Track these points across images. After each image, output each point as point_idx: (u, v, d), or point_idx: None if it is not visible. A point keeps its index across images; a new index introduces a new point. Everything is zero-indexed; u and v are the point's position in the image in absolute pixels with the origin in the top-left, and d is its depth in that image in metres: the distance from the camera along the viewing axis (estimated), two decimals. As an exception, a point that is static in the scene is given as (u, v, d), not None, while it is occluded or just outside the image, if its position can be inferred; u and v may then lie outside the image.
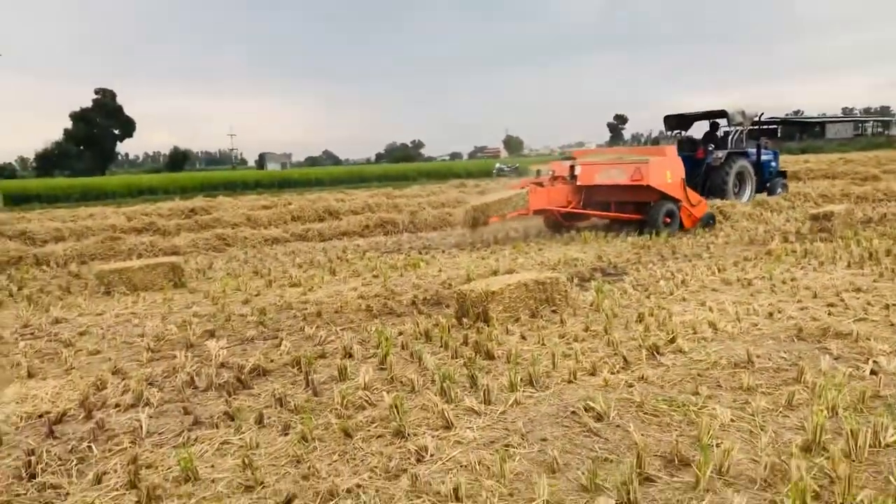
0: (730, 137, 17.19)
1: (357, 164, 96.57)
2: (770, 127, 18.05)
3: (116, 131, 75.67)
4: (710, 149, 16.77)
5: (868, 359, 4.66)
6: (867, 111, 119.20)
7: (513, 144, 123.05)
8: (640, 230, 12.19)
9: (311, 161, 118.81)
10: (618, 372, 4.65)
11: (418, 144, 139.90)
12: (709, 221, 12.86)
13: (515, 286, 6.21)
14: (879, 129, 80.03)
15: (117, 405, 4.55)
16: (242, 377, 4.89)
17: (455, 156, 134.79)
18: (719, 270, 8.26)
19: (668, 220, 12.30)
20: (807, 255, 9.03)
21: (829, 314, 5.90)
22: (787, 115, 73.26)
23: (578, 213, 12.85)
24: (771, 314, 5.97)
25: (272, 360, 5.36)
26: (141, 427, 4.08)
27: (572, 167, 12.84)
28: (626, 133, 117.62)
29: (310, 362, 5.09)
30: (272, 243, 13.95)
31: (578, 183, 12.60)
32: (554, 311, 6.31)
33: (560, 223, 13.02)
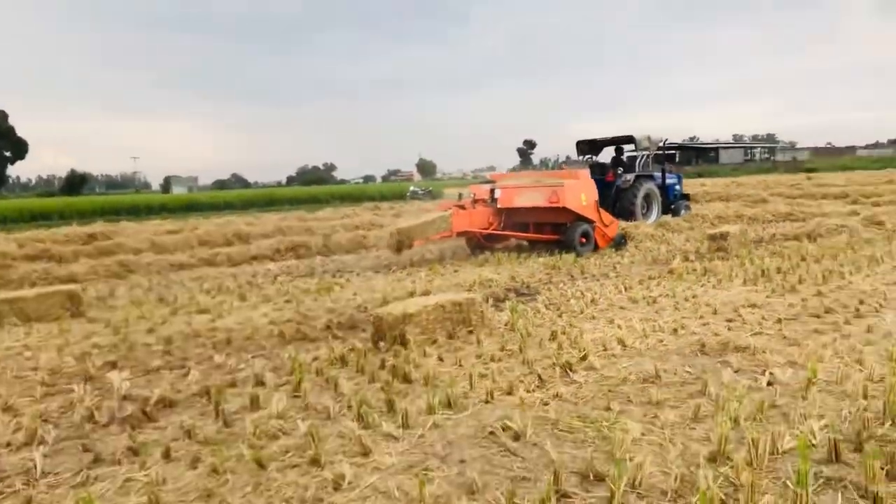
0: (637, 162, 18.12)
1: (268, 187, 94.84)
2: (669, 152, 19.13)
3: (7, 153, 71.64)
4: (619, 172, 17.61)
5: (765, 370, 4.87)
6: (755, 138, 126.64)
7: (426, 168, 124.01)
8: (559, 250, 12.63)
9: (220, 184, 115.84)
10: (533, 390, 4.71)
11: (330, 167, 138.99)
12: (621, 241, 13.37)
13: (432, 308, 6.21)
14: (766, 155, 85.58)
15: (8, 444, 4.26)
16: (147, 410, 4.68)
17: (368, 179, 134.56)
18: (626, 289, 8.52)
19: (584, 240, 12.71)
20: (706, 274, 9.42)
21: (729, 329, 6.16)
22: (684, 140, 77.02)
23: (499, 235, 13.15)
24: (675, 330, 6.18)
25: (179, 391, 5.15)
26: (35, 467, 3.84)
27: (492, 190, 13.17)
28: (535, 157, 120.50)
29: (219, 392, 4.93)
30: (178, 269, 13.48)
31: (499, 205, 12.94)
32: (470, 332, 6.34)
33: (482, 244, 13.28)
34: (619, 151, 19.09)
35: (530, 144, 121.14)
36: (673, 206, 18.78)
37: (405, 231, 11.51)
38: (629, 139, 18.26)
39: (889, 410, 3.96)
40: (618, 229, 13.56)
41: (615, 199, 17.10)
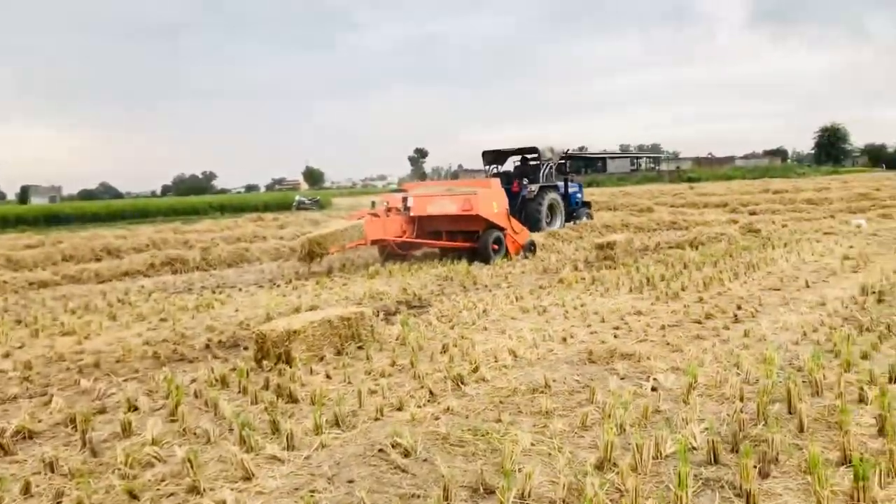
0: (541, 172, 19.01)
1: (141, 198, 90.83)
2: (561, 161, 20.12)
3: None
4: (525, 183, 18.41)
5: (649, 377, 5.15)
6: (641, 148, 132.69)
7: (314, 176, 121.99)
8: (465, 257, 13.11)
9: (86, 194, 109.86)
10: (424, 405, 4.76)
11: (210, 176, 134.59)
12: (531, 248, 14.01)
13: (319, 323, 6.18)
14: (651, 165, 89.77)
15: None
16: (3, 442, 4.38)
17: (251, 188, 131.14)
18: (517, 299, 8.74)
19: (496, 247, 13.25)
20: (594, 282, 9.83)
21: (616, 336, 6.51)
22: (571, 150, 79.77)
23: (413, 243, 13.58)
24: (564, 339, 6.45)
25: (40, 421, 4.86)
26: None
27: (405, 199, 13.63)
28: (427, 166, 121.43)
29: (87, 419, 4.67)
30: (39, 287, 12.69)
31: (412, 214, 13.42)
32: (360, 348, 6.34)
33: (395, 252, 13.62)
34: (524, 161, 20.00)
35: (421, 153, 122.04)
36: (574, 214, 19.80)
37: (318, 240, 11.72)
38: (533, 150, 19.26)
39: (762, 411, 4.24)
40: (528, 236, 14.18)
41: (521, 208, 17.84)
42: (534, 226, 17.37)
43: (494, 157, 20.06)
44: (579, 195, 20.67)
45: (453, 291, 9.82)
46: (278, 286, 11.25)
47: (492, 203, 13.25)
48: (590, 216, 20.37)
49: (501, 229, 13.44)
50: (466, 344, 6.30)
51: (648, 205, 26.98)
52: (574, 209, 20.01)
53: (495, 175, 19.40)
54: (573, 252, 14.16)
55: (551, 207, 18.74)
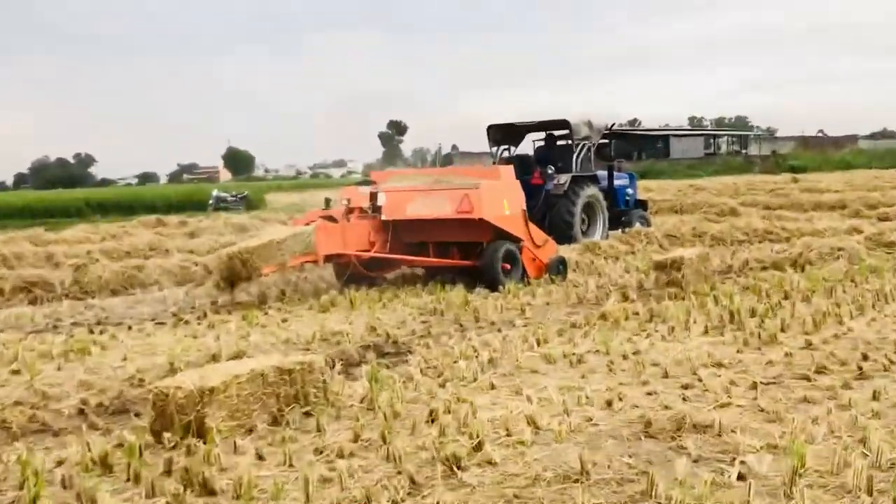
0: (574, 156, 18.93)
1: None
2: (603, 141, 20.12)
3: None
4: (550, 172, 18.41)
5: (734, 458, 5.10)
6: (720, 123, 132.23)
7: (239, 162, 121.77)
8: (471, 281, 13.04)
9: None
10: (403, 500, 4.74)
11: (86, 160, 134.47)
12: (559, 267, 13.95)
13: (247, 379, 6.16)
14: (736, 147, 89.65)
15: None
16: None
17: (147, 178, 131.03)
18: (539, 343, 8.74)
19: (508, 266, 13.19)
20: (653, 319, 9.84)
21: (684, 399, 6.45)
22: (618, 124, 78.57)
23: (385, 259, 13.67)
24: (610, 403, 6.38)
25: None
26: None
27: (374, 195, 13.58)
28: (406, 146, 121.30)
29: None
30: None
31: (384, 217, 13.41)
32: (308, 414, 6.32)
33: (360, 273, 13.53)
34: (549, 141, 20.04)
35: (398, 128, 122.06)
36: (624, 218, 19.81)
37: (244, 255, 11.66)
38: (562, 124, 19.20)
39: (901, 510, 4.19)
40: (555, 250, 14.21)
41: (545, 209, 17.88)
42: (563, 235, 17.29)
43: (505, 134, 20.10)
44: (630, 191, 20.69)
45: (445, 331, 9.82)
46: (187, 323, 11.21)
47: (501, 201, 13.25)
48: (646, 221, 20.40)
49: (516, 240, 13.44)
50: (465, 409, 6.24)
51: (731, 205, 27.01)
52: (623, 211, 20.05)
53: (507, 161, 19.32)
54: (621, 274, 14.17)
55: (589, 208, 18.77)
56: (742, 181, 42.96)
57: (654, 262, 12.80)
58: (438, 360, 8.15)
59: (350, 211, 13.68)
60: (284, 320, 11.01)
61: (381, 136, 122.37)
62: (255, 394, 6.21)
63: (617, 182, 20.14)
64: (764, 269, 14.34)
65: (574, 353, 8.11)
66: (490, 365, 7.84)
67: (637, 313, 10.22)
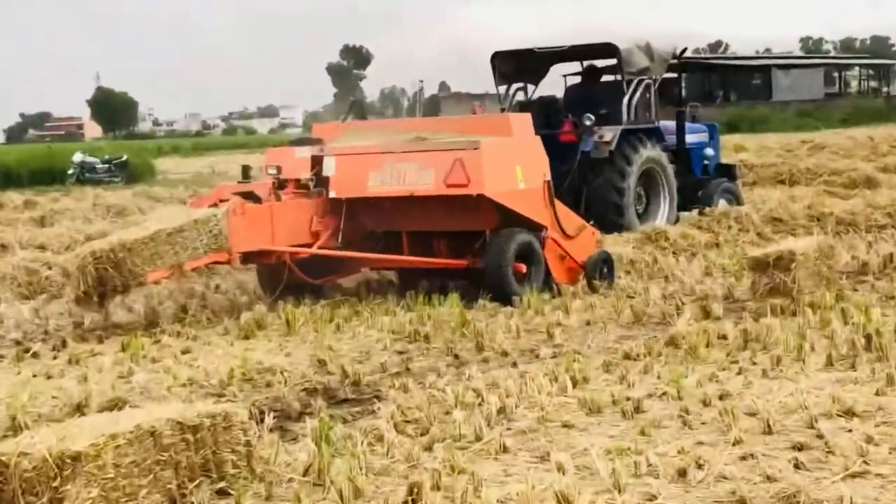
0: (625, 100, 15.94)
1: None
2: (670, 75, 17.86)
3: None
4: (588, 123, 15.60)
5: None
6: (849, 48, 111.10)
7: (114, 111, 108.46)
8: (470, 289, 11.34)
9: None
10: None
11: None
12: (602, 268, 12.01)
13: (130, 440, 5.34)
14: (872, 84, 75.79)
15: None
16: None
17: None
18: (576, 383, 7.55)
19: (524, 268, 11.22)
20: (748, 346, 8.54)
21: (797, 466, 5.50)
22: (692, 51, 56.56)
23: (336, 257, 11.71)
24: (683, 473, 5.44)
25: None
26: None
27: (317, 159, 11.70)
28: (369, 87, 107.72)
29: None
30: None
31: (333, 193, 11.41)
32: (223, 493, 5.46)
33: (300, 279, 11.62)
34: (588, 77, 17.44)
35: (358, 58, 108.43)
36: (702, 193, 17.28)
37: (114, 254, 10.00)
38: (608, 49, 16.25)
39: None
40: (596, 243, 12.47)
41: (580, 180, 15.23)
42: (609, 219, 14.96)
43: (520, 65, 16.99)
44: (710, 151, 17.62)
45: (432, 367, 8.46)
46: (36, 356, 9.81)
47: (513, 169, 11.13)
48: (734, 197, 17.43)
49: (535, 227, 11.39)
50: (463, 484, 5.29)
51: (867, 172, 23.44)
52: (700, 182, 17.19)
53: (522, 107, 16.62)
54: (700, 279, 12.32)
55: (648, 179, 16.02)
56: (882, 134, 38.61)
57: (751, 260, 10.89)
58: (422, 411, 6.96)
59: (281, 185, 11.47)
60: (186, 351, 9.61)
61: (333, 70, 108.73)
62: (141, 463, 5.34)
63: (690, 138, 17.03)
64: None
65: (628, 399, 6.93)
66: (500, 416, 6.75)
67: (724, 337, 8.85)
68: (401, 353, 9.00)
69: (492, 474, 5.52)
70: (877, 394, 6.70)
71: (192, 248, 10.36)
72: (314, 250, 11.25)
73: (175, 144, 65.84)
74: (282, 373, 8.28)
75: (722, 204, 16.58)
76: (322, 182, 11.46)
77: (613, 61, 16.35)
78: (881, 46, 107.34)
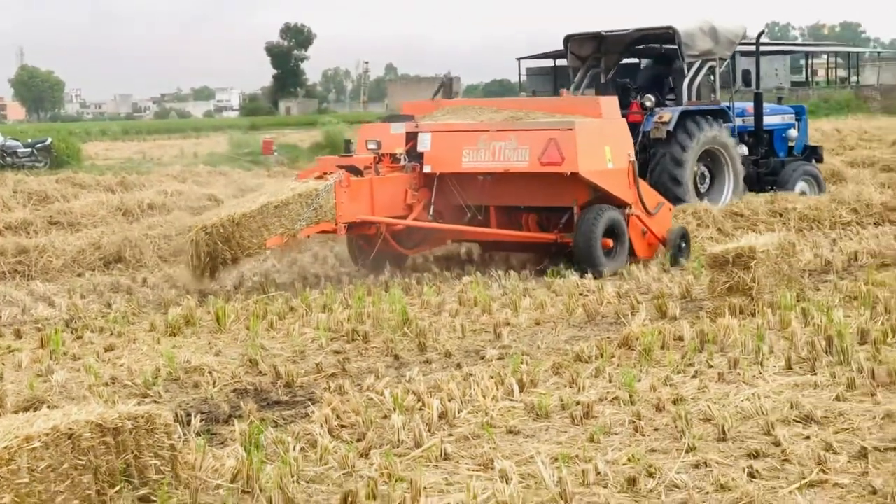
0: (685, 82, 16.28)
1: None
2: (744, 50, 18.69)
3: None
4: (648, 104, 15.95)
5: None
6: (817, 36, 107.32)
7: (38, 91, 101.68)
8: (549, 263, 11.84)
9: None
10: None
11: None
12: (679, 244, 12.45)
13: (46, 443, 5.25)
14: (841, 74, 72.80)
15: None
16: None
17: None
18: (523, 386, 7.45)
19: (611, 243, 11.73)
20: (705, 347, 8.49)
21: (752, 475, 5.49)
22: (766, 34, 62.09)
23: (428, 228, 12.30)
24: (634, 480, 5.42)
25: None
26: None
27: (411, 135, 12.20)
28: (311, 67, 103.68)
29: None
30: None
31: (428, 168, 11.99)
32: (146, 499, 5.44)
33: (389, 249, 12.09)
34: (659, 62, 17.76)
35: (299, 37, 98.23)
36: (779, 176, 17.04)
37: (226, 226, 10.52)
38: (666, 34, 16.59)
39: None
40: (672, 219, 12.88)
41: (643, 158, 15.29)
42: (668, 196, 14.79)
43: (594, 48, 17.39)
44: (793, 132, 17.80)
45: (370, 368, 8.37)
46: None
47: (602, 148, 11.61)
48: (814, 180, 17.42)
49: (621, 205, 11.86)
50: (400, 493, 5.28)
51: (833, 166, 22.93)
52: (781, 164, 17.28)
53: (600, 86, 17.04)
54: (657, 275, 12.01)
55: (712, 158, 16.21)
56: (850, 127, 37.42)
57: (709, 257, 10.62)
58: (359, 415, 6.89)
59: (380, 159, 11.97)
60: (109, 348, 9.36)
61: (272, 52, 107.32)
62: (58, 468, 5.29)
63: (772, 119, 17.27)
64: (882, 266, 12.40)
65: (578, 403, 6.89)
66: (443, 422, 6.69)
67: (680, 338, 8.77)
68: (337, 352, 8.90)
69: (432, 483, 5.49)
70: (837, 399, 6.67)
71: (296, 220, 10.85)
72: (409, 221, 11.94)
73: (103, 128, 62.26)
74: (210, 373, 8.18)
75: (799, 187, 16.71)
76: (416, 157, 12.03)
77: (674, 45, 16.50)
78: (851, 33, 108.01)
